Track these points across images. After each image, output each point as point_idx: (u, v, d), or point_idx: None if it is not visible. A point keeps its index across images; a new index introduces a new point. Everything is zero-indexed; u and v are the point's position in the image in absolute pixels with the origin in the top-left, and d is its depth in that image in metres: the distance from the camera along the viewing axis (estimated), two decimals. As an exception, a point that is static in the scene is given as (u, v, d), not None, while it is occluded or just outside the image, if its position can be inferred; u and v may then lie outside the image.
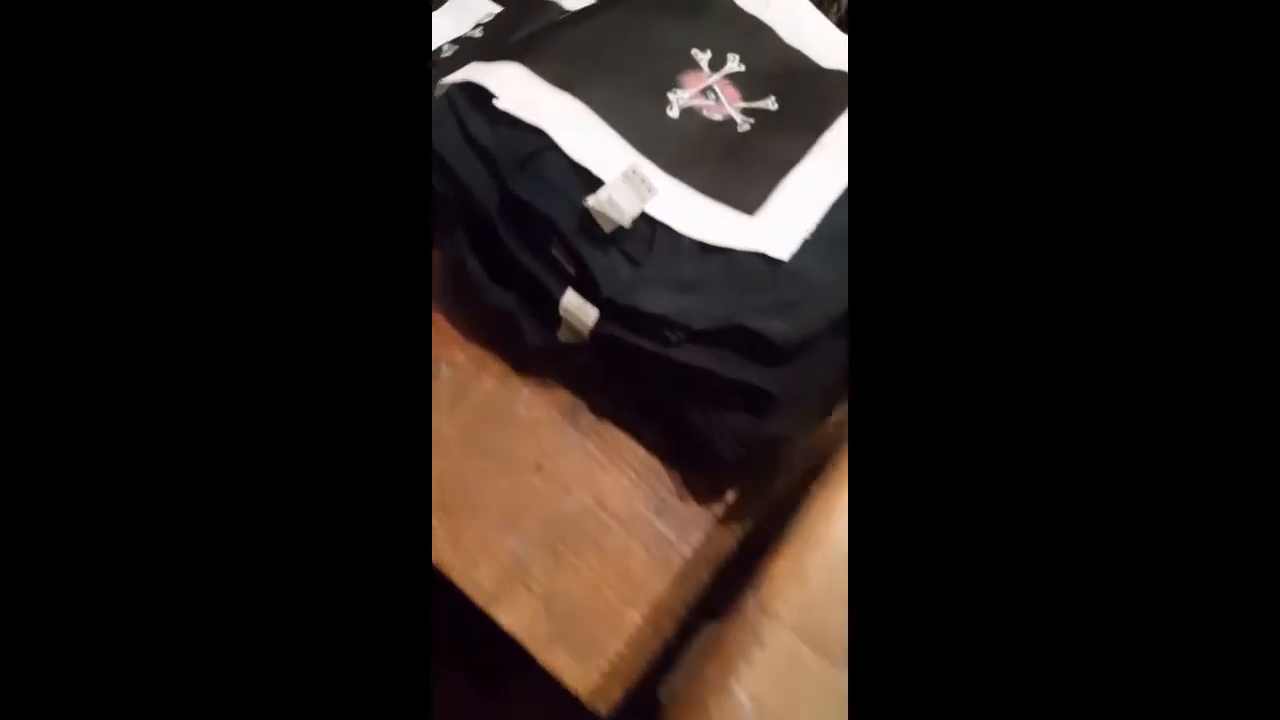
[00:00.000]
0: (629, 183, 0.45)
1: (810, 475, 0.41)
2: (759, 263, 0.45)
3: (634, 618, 0.42)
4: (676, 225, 0.46)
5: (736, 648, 0.35)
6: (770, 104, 0.54)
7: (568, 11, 0.59)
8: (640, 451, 0.46)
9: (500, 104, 0.47)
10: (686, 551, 0.44)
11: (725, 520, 0.45)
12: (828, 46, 0.59)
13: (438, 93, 0.49)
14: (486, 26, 0.61)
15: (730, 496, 0.45)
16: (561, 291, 0.45)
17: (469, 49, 0.58)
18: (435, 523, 0.44)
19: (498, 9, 0.62)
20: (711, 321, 0.42)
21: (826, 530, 0.37)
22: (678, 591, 0.44)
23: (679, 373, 0.42)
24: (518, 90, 0.48)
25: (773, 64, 0.56)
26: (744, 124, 0.53)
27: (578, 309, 0.44)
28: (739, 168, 0.50)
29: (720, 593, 0.46)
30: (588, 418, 0.47)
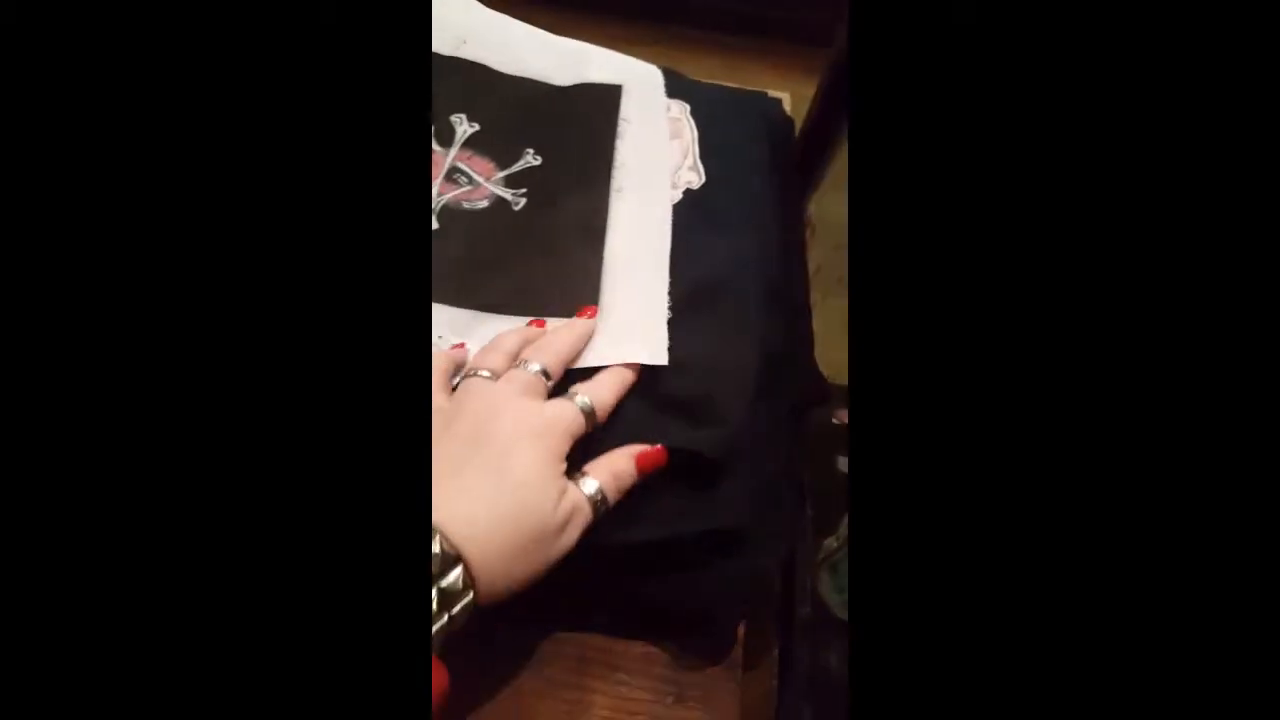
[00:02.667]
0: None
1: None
2: (641, 375, 0.35)
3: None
4: None
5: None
6: (531, 159, 0.44)
7: None
8: (616, 646, 0.36)
9: None
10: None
11: (753, 658, 0.36)
12: (552, 59, 0.49)
13: None
14: None
15: (741, 632, 0.37)
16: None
17: None
18: None
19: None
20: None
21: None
22: (746, 773, 0.35)
23: (619, 554, 0.33)
24: None
25: (507, 108, 0.46)
26: (516, 200, 0.43)
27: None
28: (548, 265, 0.40)
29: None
30: (533, 642, 0.36)
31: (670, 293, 0.38)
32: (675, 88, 0.51)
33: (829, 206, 0.58)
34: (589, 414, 0.32)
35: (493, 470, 0.29)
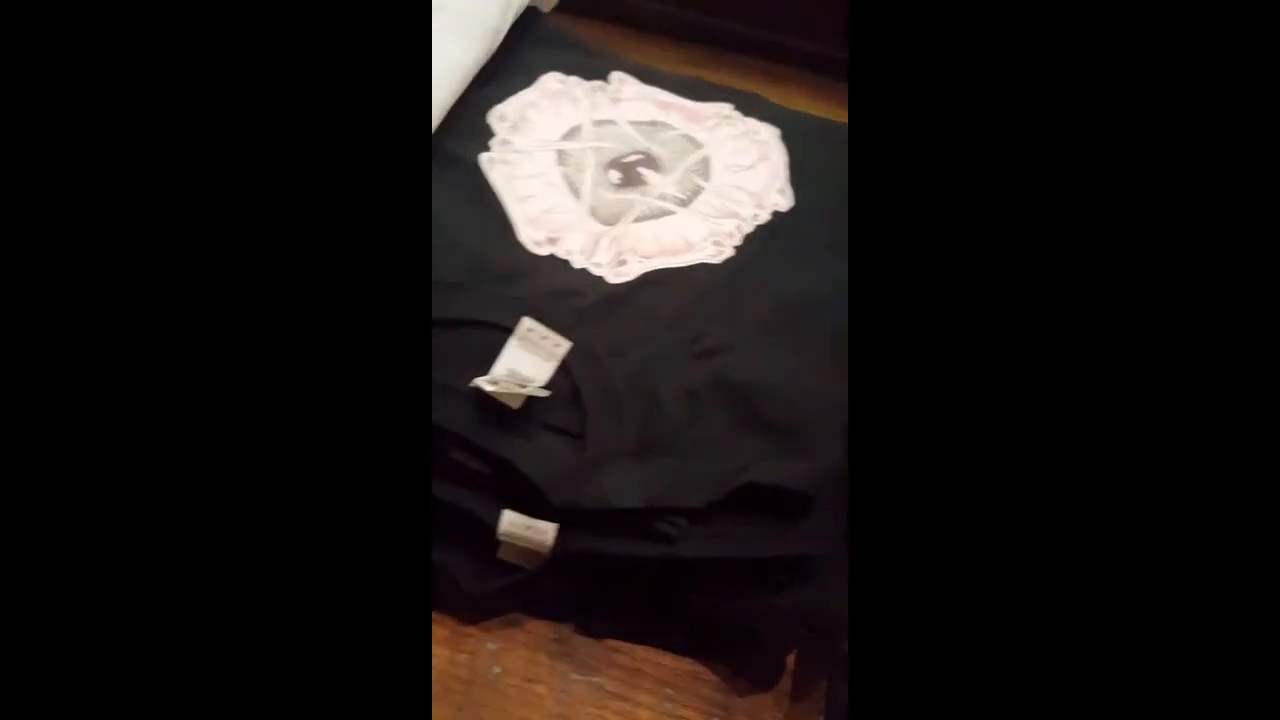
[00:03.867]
0: (525, 343, 0.34)
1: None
2: (724, 395, 0.35)
3: None
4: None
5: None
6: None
7: None
8: (666, 660, 0.36)
9: None
10: (775, 752, 0.35)
11: (801, 688, 0.36)
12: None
13: None
14: None
15: (792, 660, 0.36)
16: (489, 511, 0.34)
17: None
18: None
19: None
20: (710, 491, 0.32)
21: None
22: (785, 805, 0.34)
23: (691, 568, 0.32)
24: None
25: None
26: None
27: (525, 530, 0.33)
28: None
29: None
30: (583, 647, 0.35)
31: (757, 312, 0.38)
32: (766, 113, 0.51)
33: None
34: None
35: None
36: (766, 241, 0.43)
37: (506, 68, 0.50)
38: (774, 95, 0.53)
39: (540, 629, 0.36)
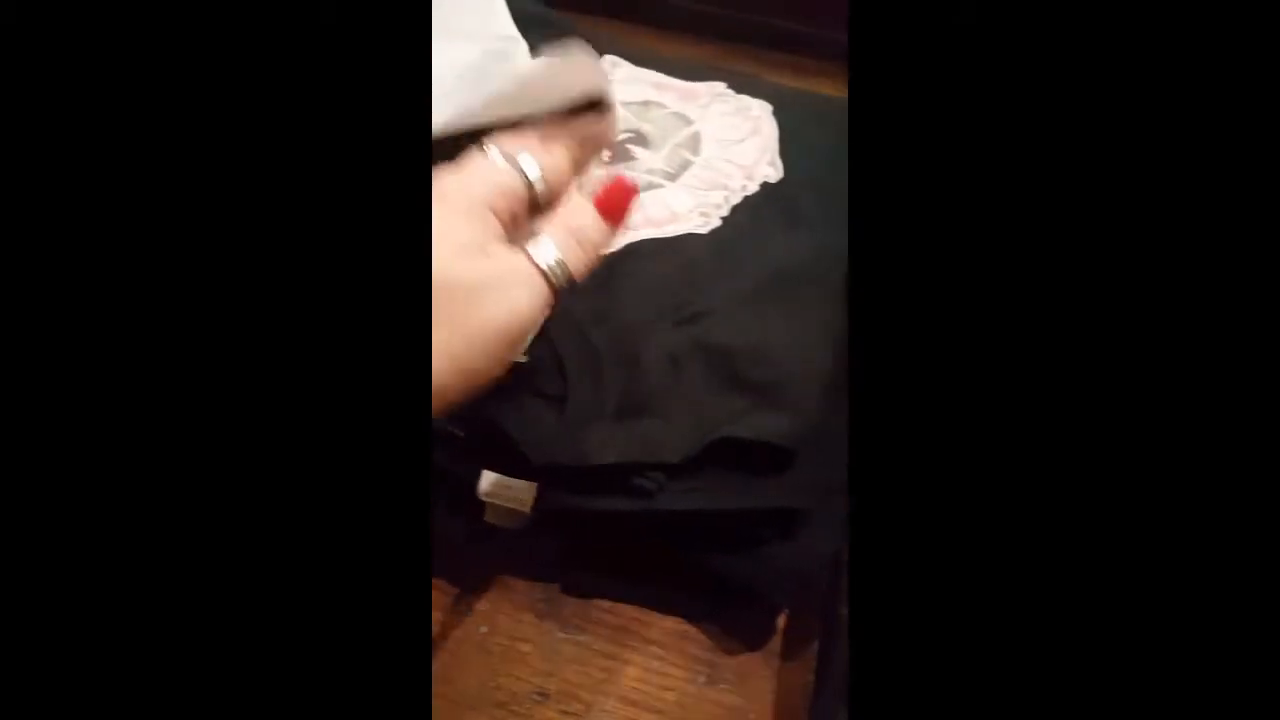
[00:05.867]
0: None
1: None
2: (704, 357, 0.35)
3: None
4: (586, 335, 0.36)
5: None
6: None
7: None
8: (653, 619, 0.36)
9: None
10: (764, 712, 0.35)
11: (792, 649, 0.36)
12: None
13: None
14: None
15: (782, 620, 0.36)
16: (470, 471, 0.34)
17: None
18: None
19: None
20: (687, 447, 0.33)
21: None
22: (776, 763, 0.34)
23: (672, 522, 0.33)
24: None
25: None
26: None
27: (506, 490, 0.34)
28: None
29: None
30: (569, 605, 0.36)
31: (741, 280, 0.39)
32: (760, 89, 0.52)
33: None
34: (526, 174, 0.26)
35: None
36: (753, 212, 0.43)
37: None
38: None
39: (528, 589, 0.36)
